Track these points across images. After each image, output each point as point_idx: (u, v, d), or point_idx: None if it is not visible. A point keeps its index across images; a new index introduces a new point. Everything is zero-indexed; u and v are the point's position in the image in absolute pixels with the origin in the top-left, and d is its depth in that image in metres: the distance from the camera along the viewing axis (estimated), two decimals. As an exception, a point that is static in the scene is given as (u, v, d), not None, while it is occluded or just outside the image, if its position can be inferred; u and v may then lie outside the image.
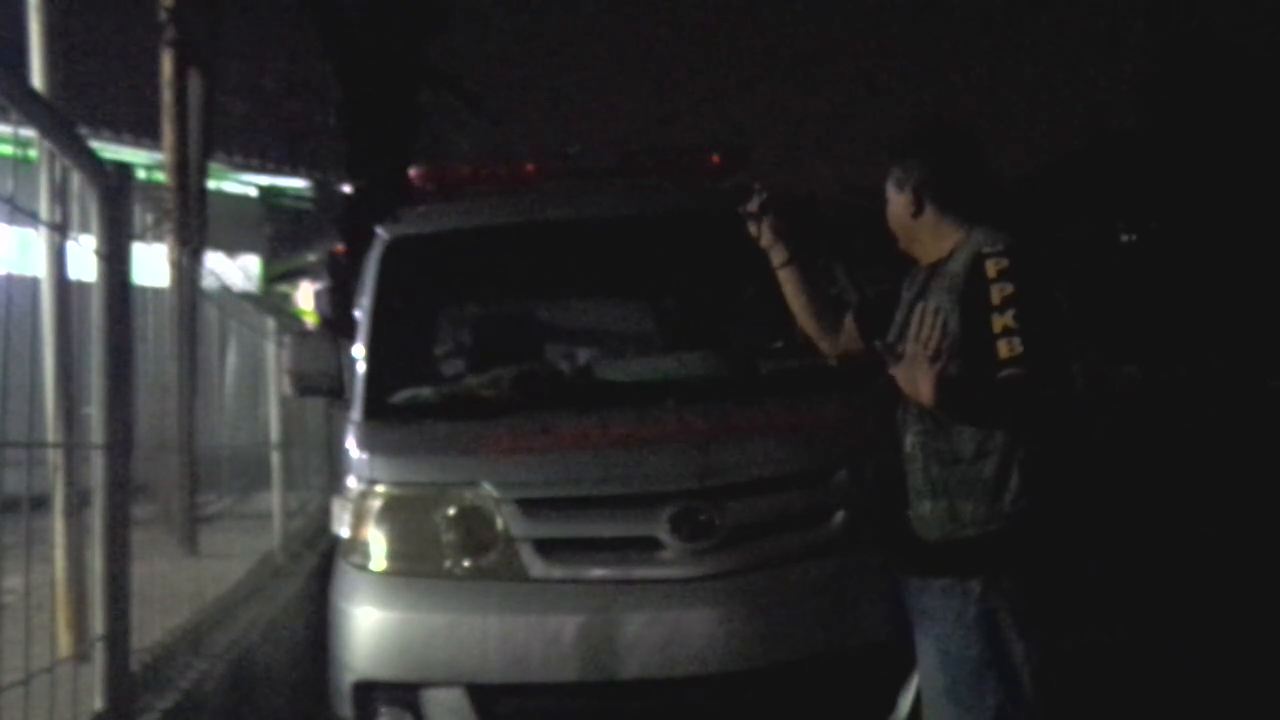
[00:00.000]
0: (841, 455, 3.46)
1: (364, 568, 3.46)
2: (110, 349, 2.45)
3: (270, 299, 10.61)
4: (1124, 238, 22.84)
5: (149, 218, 3.33)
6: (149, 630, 2.94)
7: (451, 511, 3.42)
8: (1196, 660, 4.64)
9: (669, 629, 3.23)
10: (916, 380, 2.41)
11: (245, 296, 5.97)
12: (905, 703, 3.27)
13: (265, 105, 15.80)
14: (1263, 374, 15.78)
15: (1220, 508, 8.12)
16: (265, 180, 14.82)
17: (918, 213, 2.66)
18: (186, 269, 4.51)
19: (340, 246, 11.01)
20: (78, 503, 2.70)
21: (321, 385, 4.10)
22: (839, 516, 3.40)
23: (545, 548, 3.36)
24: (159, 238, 3.95)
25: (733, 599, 3.26)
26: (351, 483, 3.60)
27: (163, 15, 6.66)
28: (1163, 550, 6.82)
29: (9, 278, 2.42)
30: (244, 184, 14.51)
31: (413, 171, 5.03)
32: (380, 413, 3.85)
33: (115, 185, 2.48)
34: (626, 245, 4.51)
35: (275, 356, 5.80)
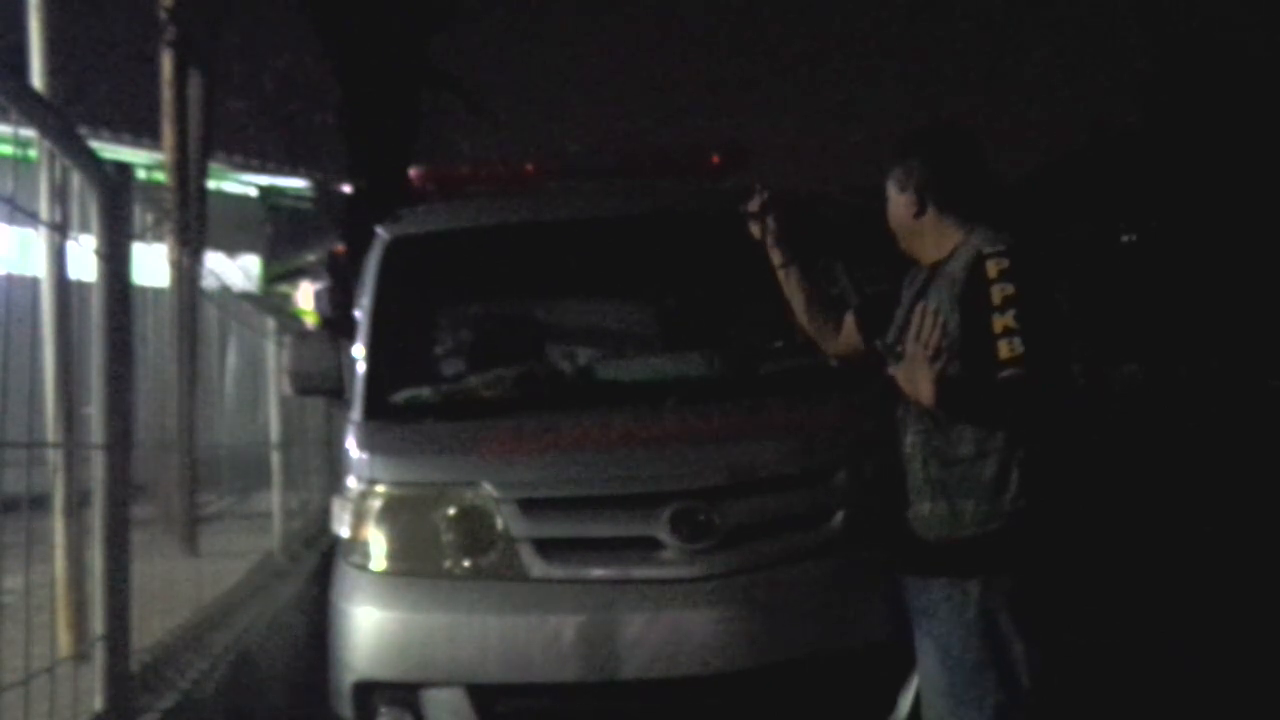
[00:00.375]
0: (841, 455, 3.45)
1: (364, 568, 3.45)
2: (110, 349, 2.46)
3: (270, 299, 10.63)
4: (1124, 238, 22.84)
5: (149, 218, 3.33)
6: (149, 630, 2.95)
7: (452, 511, 3.41)
8: (1196, 660, 4.64)
9: (669, 629, 3.22)
10: (916, 380, 2.41)
11: (245, 296, 5.98)
12: (905, 703, 3.26)
13: (265, 105, 15.82)
14: (1263, 374, 15.80)
15: (1220, 508, 8.13)
16: (265, 180, 14.84)
17: (919, 213, 2.67)
18: (186, 269, 4.52)
19: (340, 246, 10.99)
20: (78, 503, 2.70)
21: (321, 385, 4.10)
22: (839, 516, 3.39)
23: (545, 548, 3.35)
24: (159, 238, 3.96)
25: (733, 599, 3.25)
26: (351, 483, 3.60)
27: (163, 15, 6.67)
28: (1162, 550, 6.82)
29: (9, 278, 2.43)
30: (244, 184, 14.53)
31: (413, 171, 5.03)
32: (380, 413, 3.84)
33: (115, 185, 2.49)
34: (627, 245, 4.51)
35: (275, 356, 5.81)
